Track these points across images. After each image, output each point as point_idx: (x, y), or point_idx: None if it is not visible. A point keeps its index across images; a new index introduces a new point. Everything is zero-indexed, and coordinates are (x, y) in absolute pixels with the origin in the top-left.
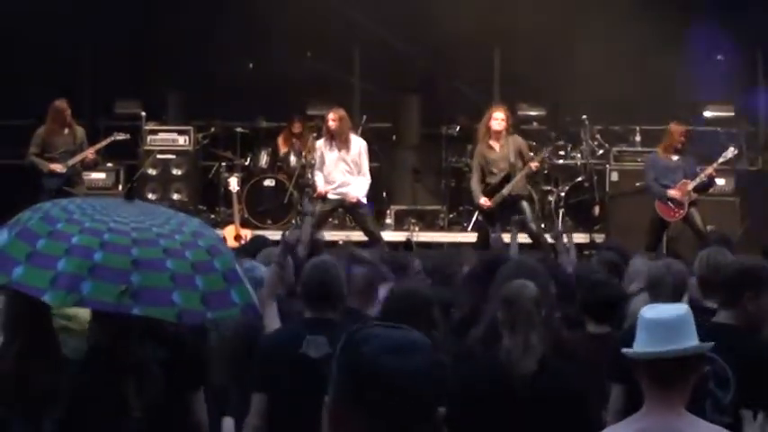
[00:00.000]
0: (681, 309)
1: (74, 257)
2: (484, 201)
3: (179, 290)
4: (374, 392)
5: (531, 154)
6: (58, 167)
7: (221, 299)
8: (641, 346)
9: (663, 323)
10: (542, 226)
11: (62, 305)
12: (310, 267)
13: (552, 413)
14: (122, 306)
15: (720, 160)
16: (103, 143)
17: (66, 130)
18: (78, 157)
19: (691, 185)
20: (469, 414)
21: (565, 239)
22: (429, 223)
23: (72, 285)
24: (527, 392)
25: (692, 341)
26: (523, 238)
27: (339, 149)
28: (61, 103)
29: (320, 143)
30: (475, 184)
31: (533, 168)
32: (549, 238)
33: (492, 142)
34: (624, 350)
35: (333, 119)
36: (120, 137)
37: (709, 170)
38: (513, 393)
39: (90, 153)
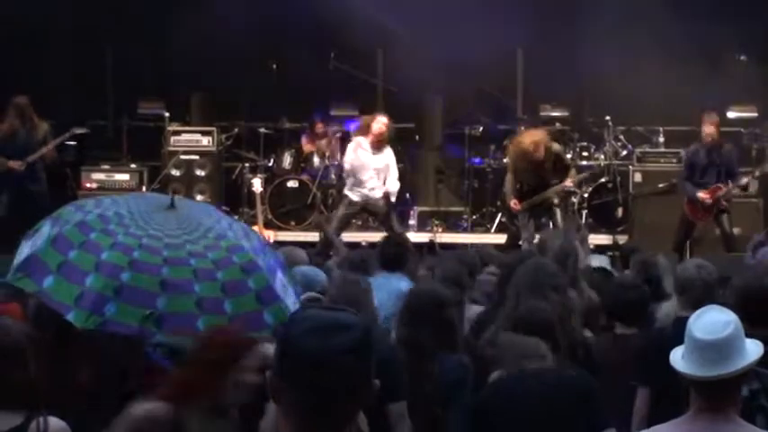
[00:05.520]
0: (729, 324)
1: (101, 275)
2: (514, 203)
3: (204, 316)
4: (297, 370)
5: (569, 165)
6: (16, 165)
7: (250, 321)
8: (692, 367)
9: (714, 345)
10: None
11: (84, 326)
12: (340, 281)
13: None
14: (145, 330)
15: (744, 181)
16: (62, 138)
17: (28, 126)
18: (38, 154)
19: (722, 191)
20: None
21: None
22: (452, 225)
23: (96, 306)
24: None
25: (740, 358)
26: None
27: (374, 154)
28: (22, 100)
29: (361, 140)
30: (508, 185)
31: (568, 186)
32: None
33: (531, 149)
34: (673, 364)
35: (386, 124)
36: (79, 131)
37: (744, 181)
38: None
39: (49, 149)
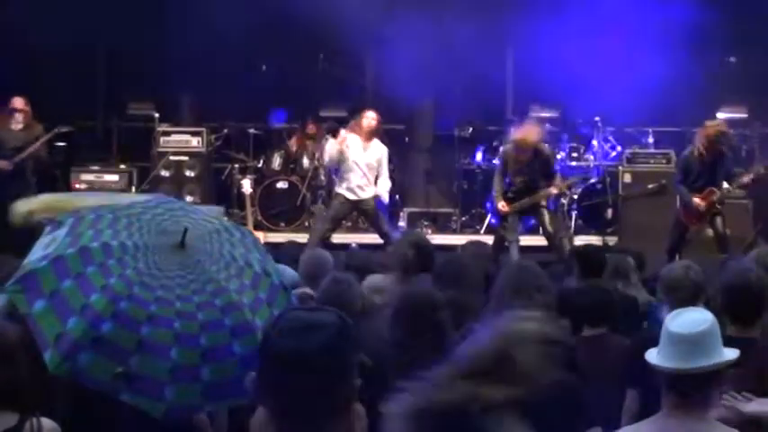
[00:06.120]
0: (706, 321)
1: (83, 320)
2: (502, 205)
3: (174, 384)
4: (272, 370)
5: (555, 173)
6: (3, 165)
7: (228, 389)
8: (666, 359)
9: (688, 338)
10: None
11: (55, 371)
12: (329, 281)
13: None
14: (113, 388)
15: (744, 180)
16: (47, 137)
17: (20, 126)
18: (24, 153)
19: (716, 195)
20: None
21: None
22: (442, 226)
23: (70, 353)
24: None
25: (717, 354)
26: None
27: (365, 150)
28: (19, 103)
29: (349, 136)
30: (497, 185)
31: (553, 192)
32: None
33: (520, 149)
34: (648, 359)
35: (375, 118)
36: (64, 129)
37: (745, 180)
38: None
39: (35, 149)
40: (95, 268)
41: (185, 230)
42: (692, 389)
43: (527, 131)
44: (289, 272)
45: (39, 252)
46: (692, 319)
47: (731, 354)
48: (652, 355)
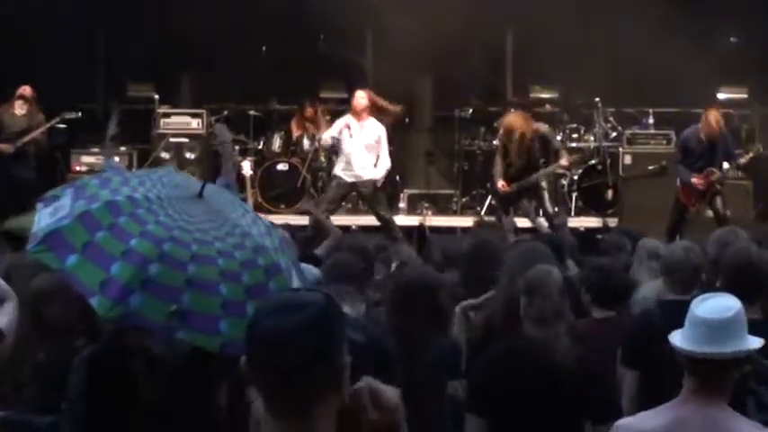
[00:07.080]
0: (732, 308)
1: (129, 264)
2: (502, 185)
3: (227, 318)
4: (255, 349)
5: (559, 148)
6: (4, 147)
7: None
8: (688, 342)
9: (713, 323)
10: (556, 209)
11: (107, 316)
12: (331, 265)
13: (582, 398)
14: (168, 327)
15: (742, 161)
16: (53, 122)
17: (23, 111)
18: (27, 137)
19: (715, 176)
20: (502, 401)
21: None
22: (442, 207)
23: (121, 296)
24: (562, 382)
25: (743, 341)
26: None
27: (361, 129)
28: (27, 91)
29: (348, 118)
30: (497, 167)
31: (565, 164)
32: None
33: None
34: (671, 340)
35: (366, 96)
36: (70, 115)
37: (742, 160)
38: (548, 383)
39: (40, 133)
40: (127, 218)
41: (204, 183)
42: (711, 374)
43: (512, 121)
44: (313, 270)
45: (46, 219)
46: (720, 305)
47: (755, 342)
48: (676, 337)
